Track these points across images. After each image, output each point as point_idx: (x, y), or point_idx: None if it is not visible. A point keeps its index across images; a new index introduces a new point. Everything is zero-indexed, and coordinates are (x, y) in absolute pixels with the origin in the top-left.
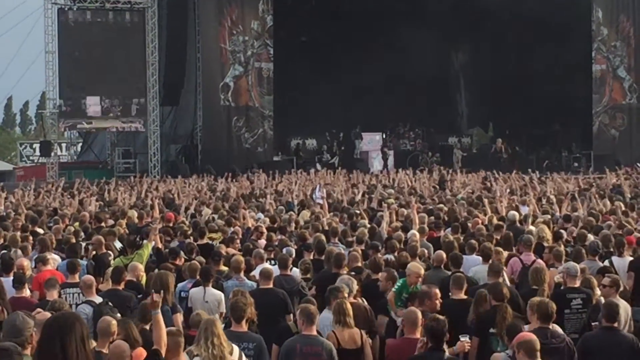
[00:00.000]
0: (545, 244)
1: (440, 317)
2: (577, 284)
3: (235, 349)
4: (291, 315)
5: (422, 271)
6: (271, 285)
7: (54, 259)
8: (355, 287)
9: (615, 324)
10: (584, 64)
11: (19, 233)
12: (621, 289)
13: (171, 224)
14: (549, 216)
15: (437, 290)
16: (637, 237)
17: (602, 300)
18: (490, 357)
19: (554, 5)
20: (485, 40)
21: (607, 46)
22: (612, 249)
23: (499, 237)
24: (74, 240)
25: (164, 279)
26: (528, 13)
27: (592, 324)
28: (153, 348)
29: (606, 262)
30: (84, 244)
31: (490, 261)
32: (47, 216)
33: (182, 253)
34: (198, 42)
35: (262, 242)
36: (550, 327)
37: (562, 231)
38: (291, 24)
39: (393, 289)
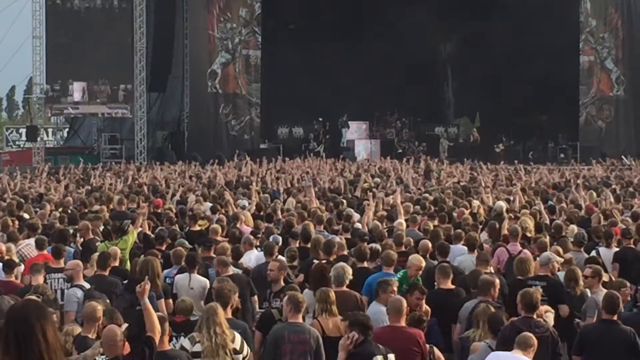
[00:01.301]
0: (529, 235)
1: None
2: (547, 272)
3: (237, 336)
4: (255, 297)
5: (423, 263)
6: (230, 272)
7: (28, 244)
8: (350, 275)
9: (615, 317)
10: (571, 55)
11: (8, 217)
12: (605, 279)
13: (159, 210)
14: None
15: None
16: (622, 228)
17: (588, 292)
18: (470, 346)
19: None
20: (473, 30)
21: (595, 37)
22: (596, 240)
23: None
24: (58, 225)
25: (150, 264)
26: (516, 4)
27: (576, 320)
28: (147, 335)
29: (593, 253)
30: (71, 230)
31: (476, 251)
32: (33, 201)
33: (167, 238)
34: (186, 29)
35: (248, 229)
36: (534, 316)
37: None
38: (279, 12)
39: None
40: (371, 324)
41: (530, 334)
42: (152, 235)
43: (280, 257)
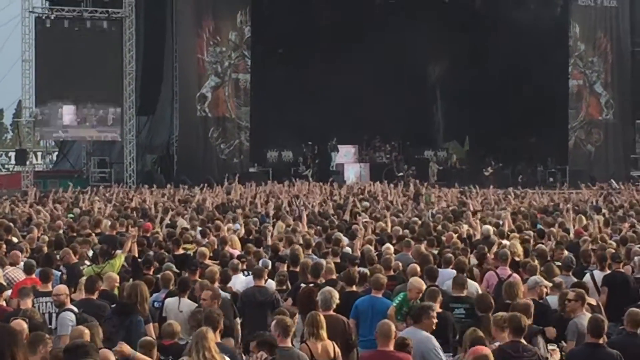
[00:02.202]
0: (517, 259)
1: None
2: (534, 296)
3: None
4: (238, 319)
5: (424, 287)
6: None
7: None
8: (337, 299)
9: (601, 340)
10: (560, 78)
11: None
12: (593, 302)
13: (148, 234)
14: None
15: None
16: (611, 252)
17: (572, 315)
18: None
19: (531, 20)
20: (463, 54)
21: (584, 61)
22: (584, 264)
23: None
24: (46, 249)
25: (138, 289)
26: (506, 27)
27: (561, 343)
28: None
29: (587, 276)
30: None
31: (455, 275)
32: (22, 225)
33: (155, 263)
34: (175, 52)
35: (236, 252)
36: (522, 340)
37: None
38: (269, 36)
39: (393, 304)
40: (277, 343)
41: None
42: (140, 259)
43: (270, 280)
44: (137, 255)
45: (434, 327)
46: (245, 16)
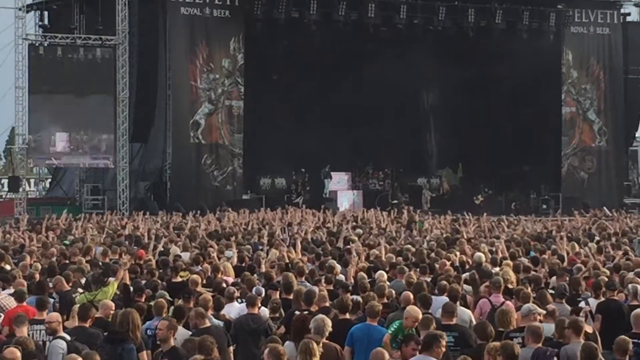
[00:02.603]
0: (510, 286)
1: None
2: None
3: None
4: (231, 347)
5: (420, 315)
6: (207, 324)
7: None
8: (329, 327)
9: None
10: (554, 105)
11: None
12: (589, 330)
13: (141, 262)
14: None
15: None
16: (605, 280)
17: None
18: None
19: (524, 47)
20: (456, 81)
21: (577, 89)
22: (579, 292)
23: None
24: (38, 277)
25: (130, 316)
26: (499, 55)
27: None
28: None
29: (582, 304)
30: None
31: (446, 301)
32: (14, 252)
33: (147, 290)
34: (169, 80)
35: (229, 279)
36: None
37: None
38: (262, 63)
39: (388, 331)
40: None
41: None
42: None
43: (263, 308)
44: (128, 282)
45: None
46: (238, 43)
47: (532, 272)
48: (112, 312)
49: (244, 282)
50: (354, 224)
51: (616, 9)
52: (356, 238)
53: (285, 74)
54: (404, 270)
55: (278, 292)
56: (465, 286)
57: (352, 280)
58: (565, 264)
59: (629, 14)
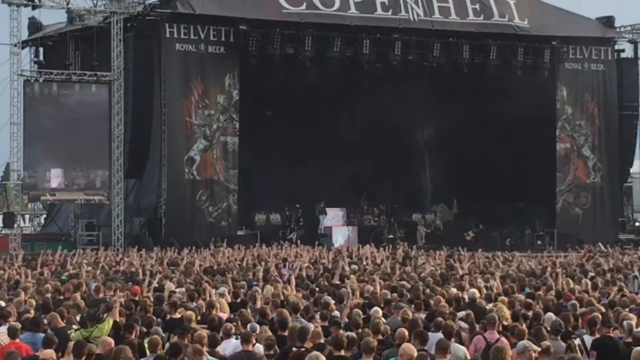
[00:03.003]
0: (505, 323)
1: None
2: None
3: None
4: None
5: (416, 353)
6: None
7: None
8: None
9: None
10: (548, 142)
11: None
12: None
13: (136, 298)
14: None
15: None
16: (599, 317)
17: None
18: None
19: (519, 83)
20: (451, 118)
21: (571, 125)
22: (570, 328)
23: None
24: (32, 313)
25: (122, 353)
26: (493, 90)
27: None
28: None
29: (577, 341)
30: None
31: (440, 338)
32: (9, 289)
33: (137, 327)
34: (164, 115)
35: (224, 316)
36: None
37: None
38: (257, 99)
39: None
40: None
41: None
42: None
43: (258, 345)
44: (118, 319)
45: None
46: (233, 79)
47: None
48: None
49: (238, 318)
50: (349, 259)
51: (610, 46)
52: (352, 275)
53: (280, 110)
54: (399, 306)
55: (267, 328)
56: (462, 323)
57: (347, 317)
58: (560, 300)
59: (623, 51)
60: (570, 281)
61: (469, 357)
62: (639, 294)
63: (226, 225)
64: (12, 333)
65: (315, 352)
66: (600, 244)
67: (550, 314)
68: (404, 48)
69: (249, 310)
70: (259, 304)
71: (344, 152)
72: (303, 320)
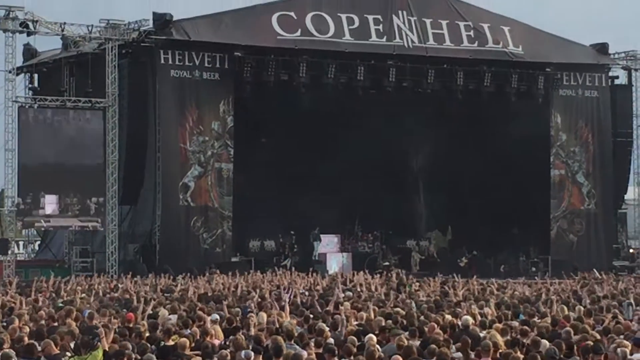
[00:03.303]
0: (500, 350)
1: None
2: None
3: None
4: None
5: None
6: None
7: None
8: None
9: None
10: (542, 168)
11: None
12: None
13: (130, 325)
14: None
15: None
16: (592, 344)
17: None
18: None
19: (513, 109)
20: (445, 144)
21: (565, 151)
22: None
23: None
24: (26, 340)
25: None
26: (487, 117)
27: None
28: None
29: None
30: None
31: None
32: (3, 315)
33: (126, 356)
34: (158, 142)
35: (217, 342)
36: None
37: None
38: (252, 125)
39: None
40: None
41: None
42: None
43: None
44: (107, 348)
45: None
46: (228, 106)
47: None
48: None
49: (232, 345)
50: (344, 286)
51: (604, 72)
52: (347, 302)
53: (274, 137)
54: (396, 332)
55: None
56: (456, 354)
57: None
58: (555, 327)
59: (617, 77)
60: (565, 308)
61: None
62: (633, 321)
63: (220, 252)
64: None
65: None
66: (594, 270)
67: (544, 342)
68: (399, 74)
69: (243, 336)
70: (253, 331)
71: (339, 178)
72: (297, 347)
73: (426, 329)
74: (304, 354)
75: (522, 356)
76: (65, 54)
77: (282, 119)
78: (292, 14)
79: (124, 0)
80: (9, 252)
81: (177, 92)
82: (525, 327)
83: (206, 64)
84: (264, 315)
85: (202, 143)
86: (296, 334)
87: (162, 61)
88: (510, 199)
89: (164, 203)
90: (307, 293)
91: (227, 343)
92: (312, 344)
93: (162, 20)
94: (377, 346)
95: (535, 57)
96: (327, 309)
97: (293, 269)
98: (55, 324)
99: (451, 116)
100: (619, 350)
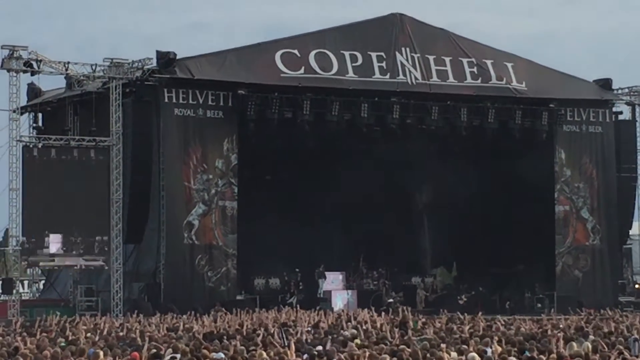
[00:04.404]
0: None
1: None
2: None
3: None
4: None
5: None
6: None
7: None
8: None
9: None
10: (547, 204)
11: None
12: None
13: None
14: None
15: None
16: None
17: None
18: None
19: (517, 145)
20: (450, 181)
21: (570, 187)
22: None
23: None
24: None
25: None
26: (491, 153)
27: None
28: None
29: None
30: None
31: None
32: (8, 355)
33: None
34: (162, 181)
35: None
36: None
37: None
38: (256, 163)
39: None
40: None
41: None
42: None
43: None
44: None
45: None
46: (231, 144)
47: None
48: None
49: None
50: (349, 323)
51: (608, 108)
52: (352, 341)
53: (278, 174)
54: None
55: None
56: None
57: None
58: None
59: (620, 113)
60: (574, 344)
61: None
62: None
63: (225, 290)
64: None
65: None
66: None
67: None
68: (402, 111)
69: None
70: None
71: (343, 215)
72: None
73: None
74: None
75: None
76: (69, 93)
77: (285, 156)
78: (295, 51)
79: (127, 39)
80: (14, 291)
81: (181, 131)
82: None
83: (210, 102)
84: (261, 352)
85: (206, 181)
86: None
87: (166, 99)
88: (515, 235)
89: (169, 241)
90: (312, 330)
91: None
92: None
93: (166, 59)
94: None
95: (538, 93)
96: (333, 346)
97: (298, 306)
98: None
99: (455, 152)
100: None
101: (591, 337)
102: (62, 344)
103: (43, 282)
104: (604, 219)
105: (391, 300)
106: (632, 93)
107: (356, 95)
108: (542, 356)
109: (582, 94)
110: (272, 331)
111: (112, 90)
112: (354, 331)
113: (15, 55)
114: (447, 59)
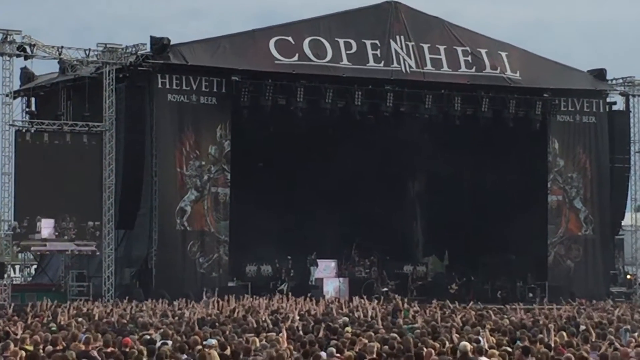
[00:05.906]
0: None
1: None
2: None
3: None
4: None
5: None
6: None
7: None
8: None
9: None
10: (540, 194)
11: None
12: None
13: (127, 350)
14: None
15: None
16: None
17: None
18: None
19: (510, 135)
20: (442, 170)
21: (563, 177)
22: None
23: None
24: None
25: None
26: (485, 142)
27: None
28: None
29: None
30: None
31: None
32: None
33: None
34: (155, 166)
35: None
36: None
37: None
38: (249, 150)
39: None
40: None
41: None
42: None
43: None
44: None
45: None
46: (225, 130)
47: None
48: None
49: None
50: (341, 311)
51: (602, 98)
52: (344, 328)
53: (271, 161)
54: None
55: None
56: None
57: None
58: (553, 353)
59: (614, 103)
60: (564, 334)
61: None
62: (631, 347)
63: (217, 277)
64: None
65: None
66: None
67: None
68: (396, 99)
69: None
70: (249, 356)
71: (335, 203)
72: None
73: (423, 355)
74: None
75: None
76: (63, 77)
77: (279, 143)
78: (289, 38)
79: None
80: (5, 276)
81: (174, 117)
82: (523, 354)
83: (203, 89)
84: (260, 340)
85: (198, 167)
86: None
87: (160, 85)
88: (507, 225)
89: (161, 227)
90: (303, 318)
91: None
92: None
93: (160, 45)
94: None
95: (532, 82)
96: (324, 334)
97: (289, 293)
98: (51, 348)
99: (448, 141)
100: None
101: (582, 327)
102: (53, 329)
103: (34, 266)
104: (597, 209)
105: (385, 289)
106: (626, 83)
107: (350, 82)
108: (534, 346)
109: (576, 84)
110: (262, 318)
111: (106, 75)
112: (346, 319)
113: (8, 39)
114: (442, 48)
